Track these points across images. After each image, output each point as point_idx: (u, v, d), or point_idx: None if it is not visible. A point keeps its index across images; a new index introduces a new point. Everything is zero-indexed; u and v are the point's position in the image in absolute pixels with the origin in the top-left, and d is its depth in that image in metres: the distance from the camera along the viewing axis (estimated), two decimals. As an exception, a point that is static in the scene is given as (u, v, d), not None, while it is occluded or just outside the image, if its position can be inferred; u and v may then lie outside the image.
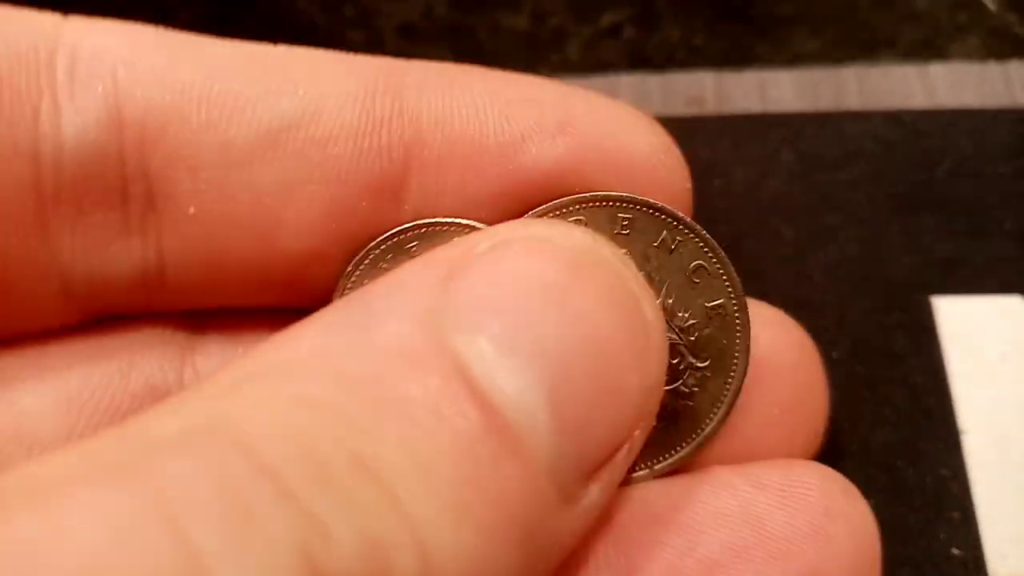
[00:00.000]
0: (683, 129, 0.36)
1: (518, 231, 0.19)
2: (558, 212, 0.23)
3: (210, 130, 0.21)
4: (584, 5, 0.40)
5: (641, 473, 0.23)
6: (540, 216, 0.23)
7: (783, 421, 0.24)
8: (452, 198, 0.22)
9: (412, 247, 0.23)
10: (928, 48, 0.37)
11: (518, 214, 0.23)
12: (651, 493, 0.23)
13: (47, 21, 0.21)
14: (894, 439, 0.29)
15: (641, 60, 0.39)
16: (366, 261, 0.23)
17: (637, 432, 0.19)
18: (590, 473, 0.18)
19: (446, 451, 0.16)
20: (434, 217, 0.23)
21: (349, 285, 0.23)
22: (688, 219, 0.23)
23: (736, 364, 0.24)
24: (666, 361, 0.20)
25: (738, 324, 0.24)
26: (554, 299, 0.18)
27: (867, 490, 0.28)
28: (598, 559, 0.22)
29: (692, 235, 0.23)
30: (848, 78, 0.36)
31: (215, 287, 0.23)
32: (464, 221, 0.23)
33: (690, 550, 0.22)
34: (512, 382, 0.17)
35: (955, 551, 0.27)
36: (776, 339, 0.24)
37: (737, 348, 0.24)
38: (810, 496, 0.22)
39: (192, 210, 0.21)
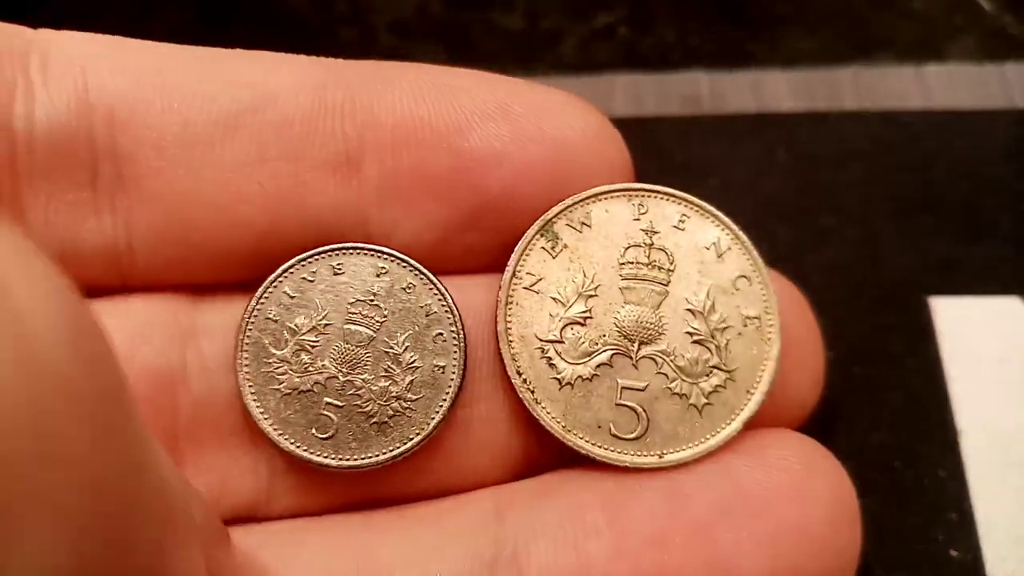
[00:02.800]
0: (678, 128, 0.36)
1: None
2: (623, 193, 0.25)
3: (172, 113, 0.23)
4: (578, 5, 0.40)
5: (650, 459, 0.24)
6: (611, 192, 0.25)
7: (789, 364, 0.25)
8: (408, 176, 0.24)
9: (338, 265, 0.24)
10: (925, 49, 0.37)
11: (474, 194, 0.24)
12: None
13: (18, 29, 0.23)
14: (891, 440, 0.29)
15: (636, 60, 0.38)
16: (290, 271, 0.24)
17: None
18: None
19: None
20: (395, 193, 0.24)
21: (269, 291, 0.24)
22: (741, 232, 0.25)
23: (762, 377, 0.24)
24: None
25: (769, 339, 0.24)
26: None
27: (865, 491, 0.28)
28: (587, 527, 0.23)
29: (742, 248, 0.25)
30: (844, 78, 0.36)
31: (183, 262, 0.24)
32: (399, 255, 0.24)
33: (678, 513, 0.23)
34: None
35: (953, 552, 0.27)
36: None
37: (765, 362, 0.24)
38: (787, 457, 0.23)
39: (160, 184, 0.23)
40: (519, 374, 0.24)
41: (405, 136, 0.24)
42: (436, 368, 0.24)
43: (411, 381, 0.24)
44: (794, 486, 0.23)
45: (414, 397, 0.24)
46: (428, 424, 0.24)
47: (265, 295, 0.24)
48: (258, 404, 0.24)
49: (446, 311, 0.24)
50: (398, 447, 0.24)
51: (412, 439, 0.24)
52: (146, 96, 0.23)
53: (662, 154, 0.35)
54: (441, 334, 0.24)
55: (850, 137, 0.35)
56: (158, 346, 0.23)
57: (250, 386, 0.24)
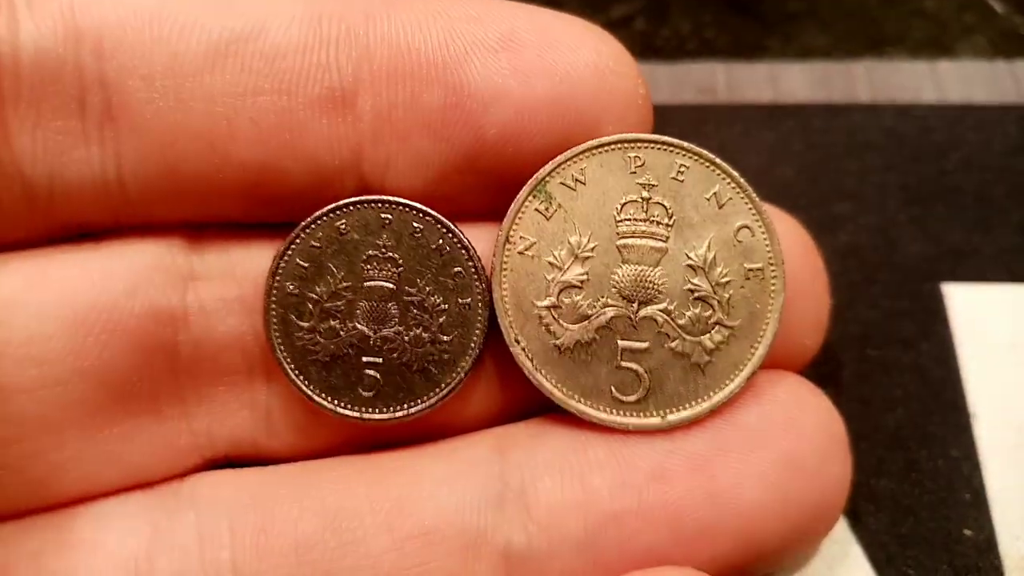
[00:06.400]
0: (694, 116, 0.36)
1: None
2: (618, 146, 0.24)
3: (161, 42, 0.22)
4: (595, -4, 0.41)
5: (653, 420, 0.23)
6: (606, 145, 0.24)
7: (791, 308, 0.24)
8: (404, 111, 0.23)
9: (342, 224, 0.24)
10: (936, 47, 0.38)
11: (470, 132, 0.23)
12: None
13: None
14: (906, 422, 0.29)
15: (652, 51, 0.39)
16: (296, 241, 0.24)
17: None
18: None
19: None
20: (389, 130, 0.23)
21: (281, 266, 0.24)
22: (743, 180, 0.24)
23: (765, 330, 0.24)
24: None
25: (773, 291, 0.24)
26: None
27: (879, 472, 0.28)
28: (590, 461, 0.23)
29: (744, 197, 0.24)
30: (858, 72, 0.37)
31: (176, 198, 0.23)
32: (399, 200, 0.24)
33: (677, 450, 0.23)
34: None
35: (967, 531, 0.27)
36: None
37: (768, 315, 0.24)
38: (778, 394, 0.24)
39: (149, 116, 0.22)
40: (517, 342, 0.24)
41: (399, 69, 0.23)
42: (462, 305, 0.24)
43: (441, 323, 0.24)
44: (787, 421, 0.23)
45: (447, 338, 0.24)
46: (467, 362, 0.24)
47: (279, 270, 0.24)
48: (303, 377, 0.24)
49: (459, 247, 0.24)
50: (442, 389, 0.24)
51: (455, 379, 0.24)
52: (135, 24, 0.22)
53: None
54: (459, 271, 0.24)
55: (864, 128, 0.35)
56: (160, 287, 0.23)
57: (289, 362, 0.24)
